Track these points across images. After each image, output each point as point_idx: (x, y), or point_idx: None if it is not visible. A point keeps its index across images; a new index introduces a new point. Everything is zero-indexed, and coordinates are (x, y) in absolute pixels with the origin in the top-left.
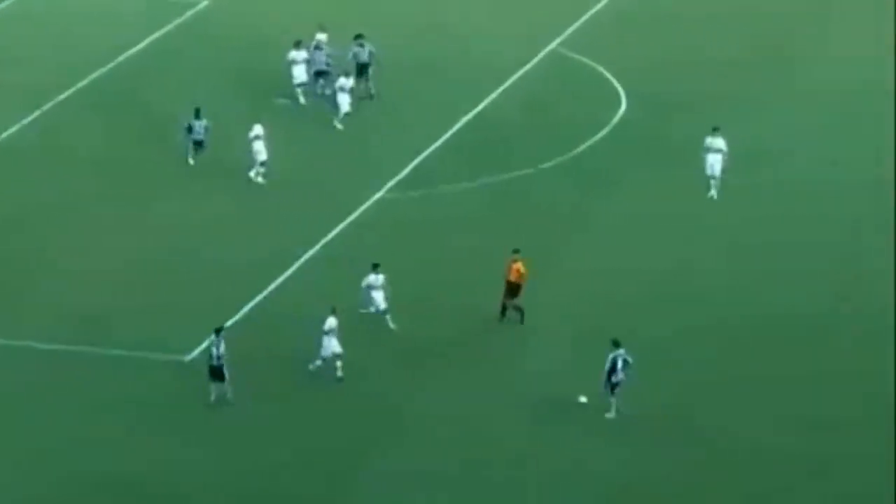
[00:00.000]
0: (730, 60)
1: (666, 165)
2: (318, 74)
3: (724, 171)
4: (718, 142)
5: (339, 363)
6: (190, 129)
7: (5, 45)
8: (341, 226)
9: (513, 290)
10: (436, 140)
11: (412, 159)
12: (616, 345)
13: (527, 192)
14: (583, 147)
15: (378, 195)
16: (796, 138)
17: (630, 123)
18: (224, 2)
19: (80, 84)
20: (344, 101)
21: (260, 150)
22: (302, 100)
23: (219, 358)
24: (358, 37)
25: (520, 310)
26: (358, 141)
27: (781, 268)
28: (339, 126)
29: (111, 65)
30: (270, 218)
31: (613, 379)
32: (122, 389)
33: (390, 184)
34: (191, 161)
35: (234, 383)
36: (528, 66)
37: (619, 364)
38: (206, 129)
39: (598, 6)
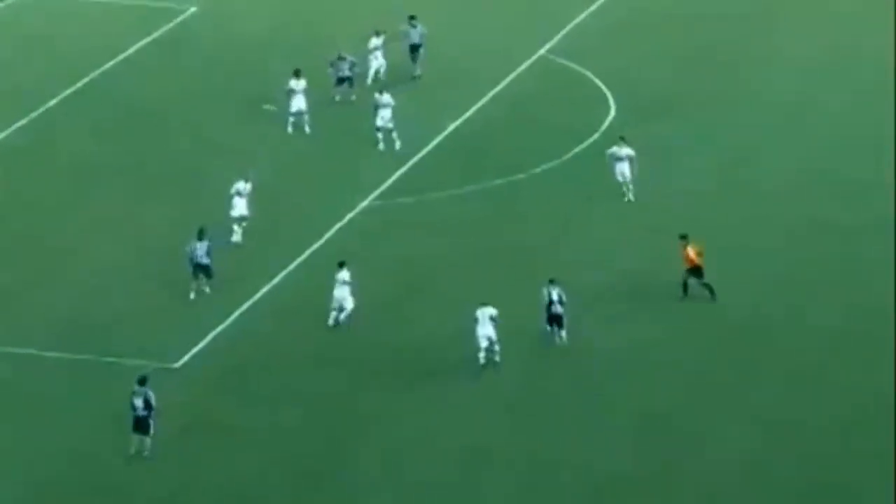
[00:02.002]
0: (719, 63)
1: (654, 169)
2: (342, 81)
3: (633, 175)
4: (625, 150)
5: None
6: (191, 258)
7: None
8: (329, 233)
9: (695, 272)
10: (425, 146)
11: (401, 166)
12: (552, 282)
13: (518, 197)
14: (573, 152)
15: (365, 202)
16: (774, 141)
17: (619, 128)
18: (211, 8)
19: (70, 89)
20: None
21: (238, 206)
22: (290, 129)
23: (144, 409)
24: (411, 18)
25: (709, 288)
26: (345, 147)
27: (767, 271)
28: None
29: (100, 70)
30: (257, 225)
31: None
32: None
33: (378, 191)
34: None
35: (157, 436)
36: (517, 72)
37: (555, 297)
38: (209, 251)
39: (586, 12)
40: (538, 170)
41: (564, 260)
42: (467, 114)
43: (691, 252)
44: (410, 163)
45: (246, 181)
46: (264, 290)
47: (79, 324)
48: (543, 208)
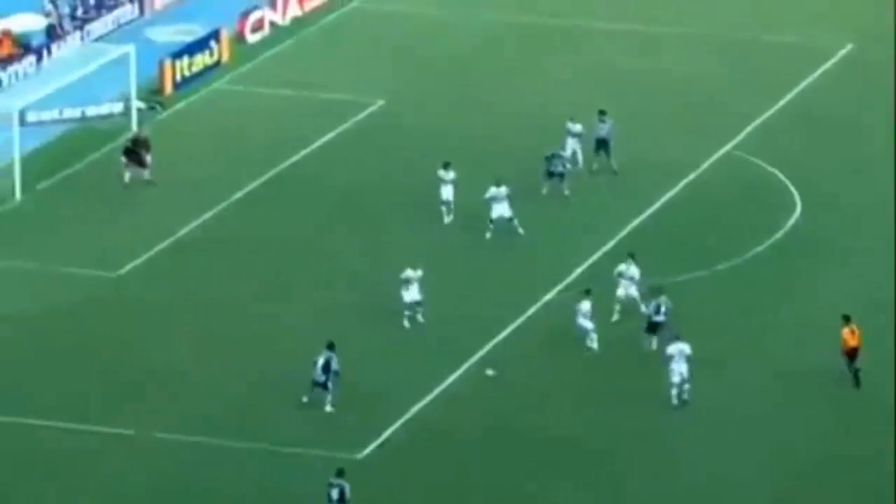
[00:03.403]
0: None
1: (840, 272)
2: (552, 175)
3: (639, 294)
4: (632, 269)
5: (419, 310)
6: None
7: (180, 143)
8: (512, 326)
9: (850, 354)
10: (607, 242)
11: (583, 262)
12: (659, 291)
13: (700, 295)
14: (757, 250)
15: (547, 297)
16: None
17: (804, 228)
18: (398, 102)
19: (257, 181)
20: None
21: (411, 292)
22: (446, 219)
23: (339, 501)
24: (601, 113)
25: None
26: (527, 243)
27: None
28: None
29: (287, 162)
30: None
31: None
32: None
33: (560, 286)
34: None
35: None
36: (702, 168)
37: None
38: (326, 367)
39: (774, 109)
40: (723, 266)
41: (748, 358)
42: (651, 209)
43: (846, 334)
44: (593, 258)
45: (415, 269)
46: (449, 380)
47: (257, 413)
48: (727, 305)
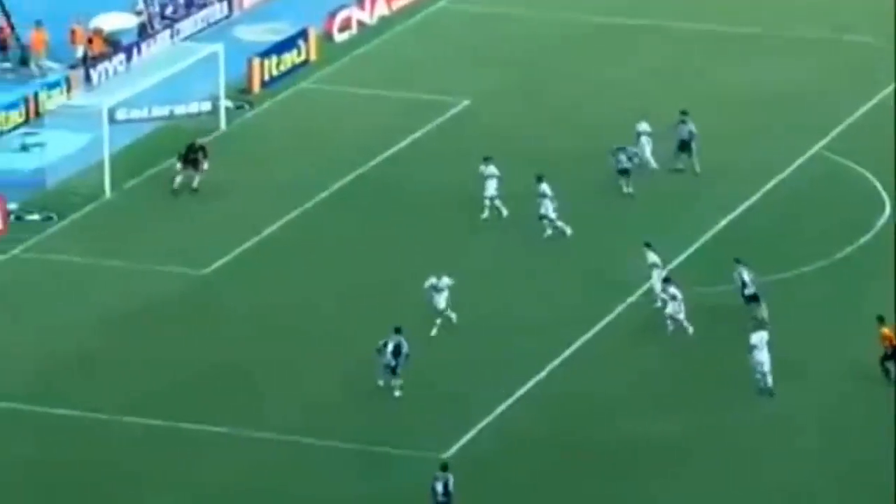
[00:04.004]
0: None
1: None
2: (623, 172)
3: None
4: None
5: (437, 321)
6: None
7: (266, 142)
8: (596, 328)
9: (889, 355)
10: (692, 243)
11: (666, 264)
12: (738, 261)
13: (787, 296)
14: (845, 252)
15: (631, 299)
16: None
17: (894, 229)
18: (485, 101)
19: (341, 181)
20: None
21: (439, 302)
22: (485, 214)
23: (444, 494)
24: (682, 113)
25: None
26: (610, 243)
27: None
28: None
29: (372, 163)
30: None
31: (746, 292)
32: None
33: (643, 289)
34: None
35: None
36: (790, 169)
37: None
38: (406, 354)
39: (864, 109)
40: (809, 267)
41: (833, 359)
42: (738, 209)
43: (887, 334)
44: (679, 259)
45: (439, 277)
46: (530, 383)
47: (342, 412)
48: (814, 306)
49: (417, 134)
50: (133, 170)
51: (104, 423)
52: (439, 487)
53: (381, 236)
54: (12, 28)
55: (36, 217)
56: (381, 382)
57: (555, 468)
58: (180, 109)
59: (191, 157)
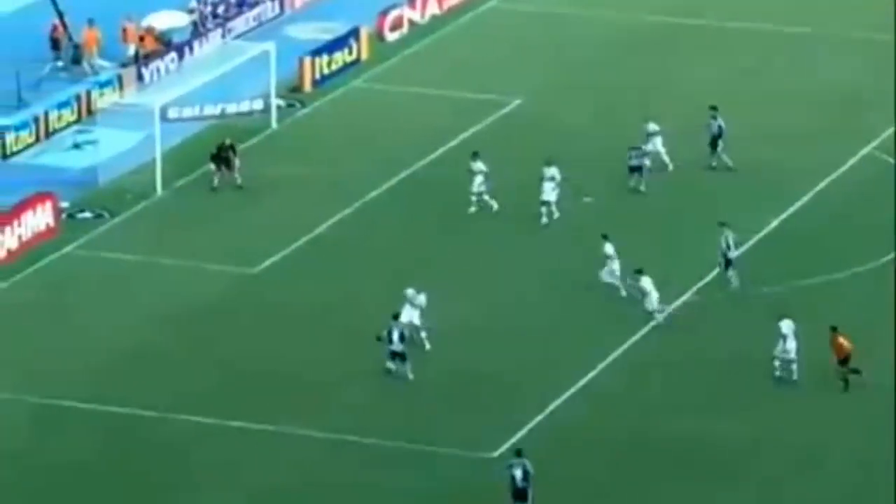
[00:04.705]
0: None
1: None
2: (634, 170)
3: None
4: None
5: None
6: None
7: (318, 140)
8: (651, 324)
9: (842, 362)
10: (745, 243)
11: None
12: (722, 224)
13: (838, 297)
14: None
15: (683, 298)
16: None
17: None
18: (537, 100)
19: (391, 181)
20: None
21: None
22: (473, 209)
23: (523, 479)
24: (712, 108)
25: (857, 371)
26: (666, 241)
27: None
28: None
29: (422, 162)
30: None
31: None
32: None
33: (698, 285)
34: None
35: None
36: (841, 169)
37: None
38: (402, 337)
39: None
40: (862, 268)
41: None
42: (790, 209)
43: (837, 342)
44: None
45: (418, 292)
46: (581, 382)
47: (391, 411)
48: (866, 307)
49: (468, 133)
50: (184, 168)
51: (155, 421)
52: (518, 473)
53: (431, 235)
54: (65, 27)
55: (88, 215)
56: (392, 366)
57: (607, 464)
58: (231, 108)
59: (222, 156)
